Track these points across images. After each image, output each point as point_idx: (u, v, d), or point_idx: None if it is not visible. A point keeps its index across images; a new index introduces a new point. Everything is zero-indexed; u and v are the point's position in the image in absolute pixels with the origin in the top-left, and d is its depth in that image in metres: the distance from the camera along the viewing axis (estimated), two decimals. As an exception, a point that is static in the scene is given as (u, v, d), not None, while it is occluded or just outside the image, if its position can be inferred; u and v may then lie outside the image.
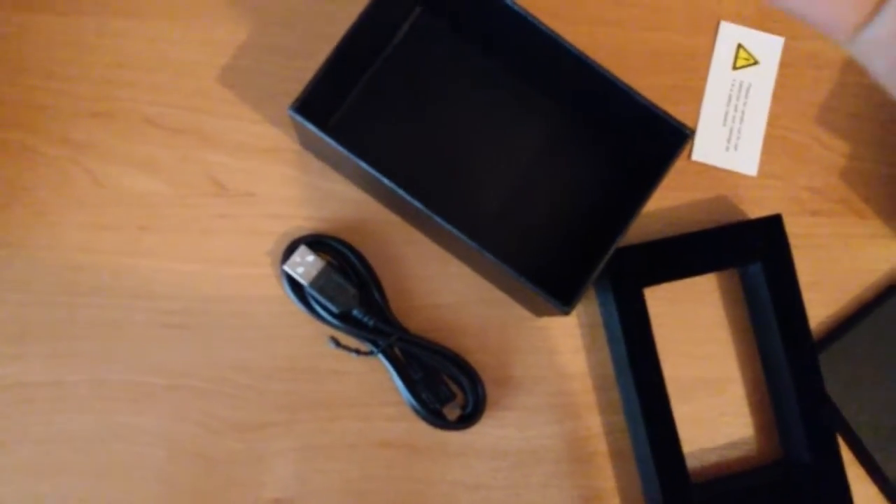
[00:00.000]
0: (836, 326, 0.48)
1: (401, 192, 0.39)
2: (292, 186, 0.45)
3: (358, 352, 0.44)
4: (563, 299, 0.39)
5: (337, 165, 0.44)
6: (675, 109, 0.47)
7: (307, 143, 0.43)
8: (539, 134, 0.46)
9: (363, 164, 0.39)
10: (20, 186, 0.43)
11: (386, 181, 0.39)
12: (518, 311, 0.45)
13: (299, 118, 0.38)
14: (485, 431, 0.44)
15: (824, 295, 0.48)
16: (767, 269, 0.45)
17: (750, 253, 0.45)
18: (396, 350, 0.43)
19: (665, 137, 0.42)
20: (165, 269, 0.43)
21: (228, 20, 0.45)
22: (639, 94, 0.41)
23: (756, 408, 0.46)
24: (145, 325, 0.43)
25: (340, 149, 0.39)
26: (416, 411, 0.43)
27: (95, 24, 0.44)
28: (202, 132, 0.44)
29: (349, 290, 0.43)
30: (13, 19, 0.44)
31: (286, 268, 0.43)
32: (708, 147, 0.48)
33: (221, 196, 0.44)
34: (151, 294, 0.43)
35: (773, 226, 0.46)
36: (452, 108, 0.45)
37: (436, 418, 0.43)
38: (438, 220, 0.39)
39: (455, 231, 0.39)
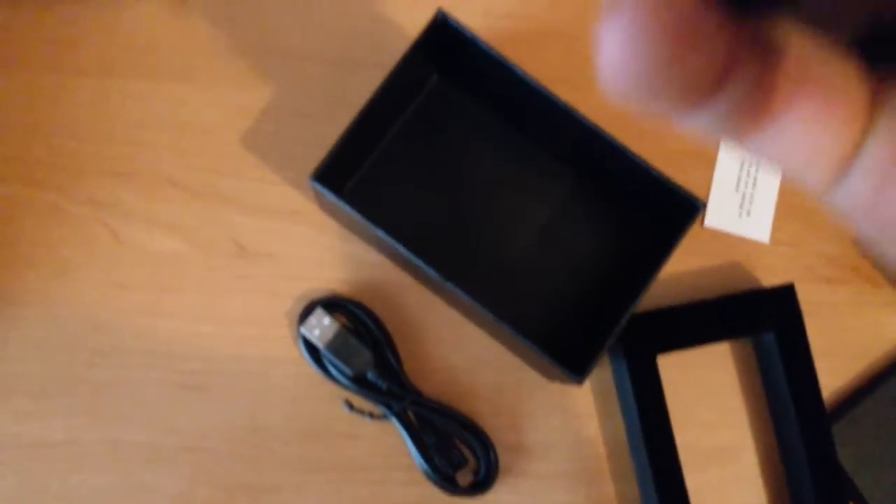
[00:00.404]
0: (850, 396, 0.48)
1: (416, 259, 0.39)
2: (311, 248, 0.46)
3: (371, 415, 0.44)
4: (576, 368, 0.39)
5: (355, 229, 0.45)
6: (688, 175, 0.48)
7: (326, 207, 0.44)
8: (553, 200, 0.46)
9: (380, 233, 0.39)
10: (45, 245, 0.44)
11: (401, 249, 0.39)
12: (531, 375, 0.46)
13: (320, 187, 0.39)
14: (498, 498, 0.44)
15: (838, 364, 0.48)
16: (780, 339, 0.45)
17: (763, 322, 0.46)
18: (410, 413, 0.44)
19: (677, 208, 0.42)
20: (184, 328, 0.44)
21: (252, 86, 0.46)
22: (651, 167, 0.41)
23: (769, 477, 0.46)
24: (163, 384, 0.43)
25: (359, 217, 0.39)
26: (429, 476, 0.43)
27: (122, 87, 0.46)
28: (224, 194, 0.45)
29: (364, 353, 0.43)
30: (44, 81, 0.45)
31: (303, 330, 0.43)
32: (720, 213, 0.49)
33: (241, 257, 0.45)
34: (170, 354, 0.44)
35: (786, 295, 0.46)
36: (468, 173, 0.46)
37: (448, 484, 0.43)
38: (451, 286, 0.39)
39: (468, 298, 0.39)
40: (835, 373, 0.48)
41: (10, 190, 0.44)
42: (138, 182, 0.45)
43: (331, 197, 0.39)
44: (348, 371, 0.43)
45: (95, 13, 0.46)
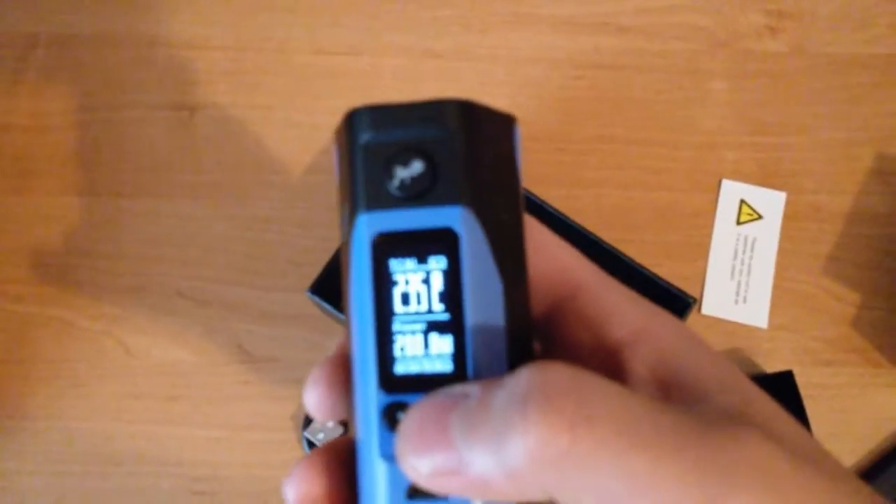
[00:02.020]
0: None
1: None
2: (313, 350, 0.47)
3: (377, 517, 0.45)
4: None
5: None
6: (683, 265, 0.49)
7: (326, 312, 0.46)
8: (550, 296, 0.47)
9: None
10: (59, 360, 0.46)
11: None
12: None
13: (317, 299, 0.41)
14: None
15: (843, 447, 0.48)
16: (781, 425, 0.45)
17: (763, 409, 0.46)
18: (414, 514, 0.44)
19: (671, 304, 0.43)
20: (193, 436, 0.45)
21: (254, 198, 0.48)
22: (641, 266, 0.42)
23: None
24: (174, 491, 0.45)
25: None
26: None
27: (131, 205, 0.48)
28: (229, 302, 0.47)
29: (368, 455, 0.44)
30: (56, 203, 0.48)
31: (307, 434, 0.44)
32: (717, 301, 0.49)
33: (246, 363, 0.46)
34: (179, 461, 0.45)
35: (784, 382, 0.46)
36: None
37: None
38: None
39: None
40: (840, 456, 0.48)
41: (24, 308, 0.46)
42: (147, 296, 0.47)
43: (328, 308, 0.41)
44: (353, 474, 0.44)
45: (102, 137, 0.48)
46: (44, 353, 0.46)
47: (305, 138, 0.49)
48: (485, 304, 0.17)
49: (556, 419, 0.15)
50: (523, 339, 0.18)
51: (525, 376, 0.16)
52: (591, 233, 0.42)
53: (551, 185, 0.47)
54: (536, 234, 0.19)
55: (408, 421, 0.16)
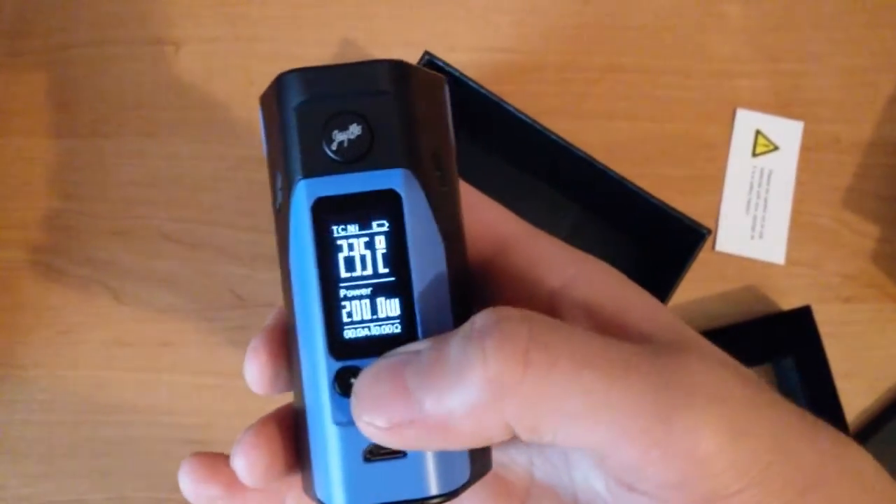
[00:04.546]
0: (876, 417, 0.46)
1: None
2: (311, 294, 0.45)
3: (379, 463, 0.43)
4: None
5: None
6: (696, 200, 0.47)
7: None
8: (558, 235, 0.45)
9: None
10: (46, 307, 0.44)
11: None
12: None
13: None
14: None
15: (862, 384, 0.46)
16: (800, 362, 0.44)
17: (781, 347, 0.44)
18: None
19: (683, 236, 0.41)
20: (186, 383, 0.44)
21: (243, 135, 0.46)
22: (651, 196, 0.40)
23: (795, 510, 0.44)
24: (166, 441, 0.43)
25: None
26: None
27: (114, 145, 0.46)
28: (220, 246, 0.45)
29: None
30: (38, 145, 0.46)
31: (305, 380, 0.43)
32: (732, 237, 0.47)
33: (240, 308, 0.45)
34: (173, 410, 0.43)
35: (803, 318, 0.44)
36: (468, 210, 0.45)
37: None
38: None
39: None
40: (859, 394, 0.46)
41: (10, 255, 0.44)
42: (135, 239, 0.45)
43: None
44: (353, 420, 0.42)
45: (83, 75, 0.46)
46: (30, 299, 0.44)
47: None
48: (429, 265, 0.18)
49: (511, 347, 0.15)
50: (466, 296, 0.19)
51: (478, 318, 0.16)
52: (597, 161, 0.40)
53: (556, 116, 0.44)
54: (463, 193, 0.19)
55: (362, 381, 0.16)
